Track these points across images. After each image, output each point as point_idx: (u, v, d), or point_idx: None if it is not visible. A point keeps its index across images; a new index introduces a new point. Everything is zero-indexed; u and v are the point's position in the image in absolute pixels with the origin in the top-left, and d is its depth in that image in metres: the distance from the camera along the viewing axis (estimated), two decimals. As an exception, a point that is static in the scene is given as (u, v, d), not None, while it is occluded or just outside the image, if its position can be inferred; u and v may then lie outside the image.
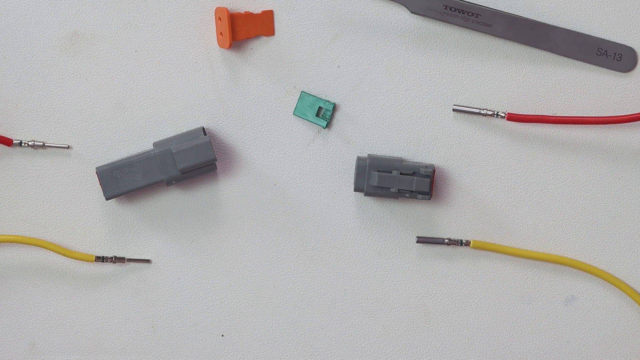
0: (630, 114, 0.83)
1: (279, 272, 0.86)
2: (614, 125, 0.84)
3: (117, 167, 0.83)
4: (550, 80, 0.85)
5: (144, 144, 0.85)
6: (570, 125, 0.84)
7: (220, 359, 0.87)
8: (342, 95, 0.85)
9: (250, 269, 0.86)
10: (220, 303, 0.86)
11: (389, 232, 0.86)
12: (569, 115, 0.84)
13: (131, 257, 0.86)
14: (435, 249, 0.86)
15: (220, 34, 0.83)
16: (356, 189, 0.84)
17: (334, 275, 0.86)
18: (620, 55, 0.84)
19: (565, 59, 0.84)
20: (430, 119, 0.85)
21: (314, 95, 0.85)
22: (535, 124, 0.84)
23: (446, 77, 0.85)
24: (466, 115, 0.85)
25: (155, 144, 0.83)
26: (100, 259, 0.85)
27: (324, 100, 0.85)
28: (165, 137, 0.84)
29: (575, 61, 0.84)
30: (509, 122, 0.85)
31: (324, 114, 0.85)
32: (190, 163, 0.82)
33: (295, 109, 0.85)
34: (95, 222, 0.86)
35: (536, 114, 0.84)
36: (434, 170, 0.83)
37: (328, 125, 0.85)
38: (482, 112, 0.84)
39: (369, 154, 0.84)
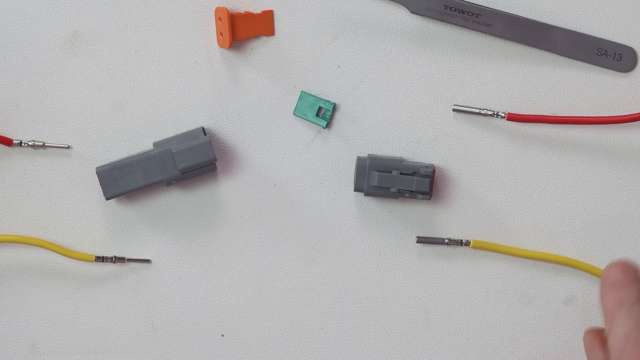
0: (630, 114, 0.83)
1: (279, 272, 0.86)
2: (614, 125, 0.84)
3: (117, 167, 0.83)
4: (550, 80, 0.85)
5: (144, 144, 0.85)
6: (570, 125, 0.84)
7: (220, 359, 0.87)
8: (342, 95, 0.85)
9: (250, 269, 0.86)
10: (220, 303, 0.86)
11: (389, 232, 0.86)
12: (569, 115, 0.84)
13: (131, 257, 0.86)
14: (435, 249, 0.86)
15: (220, 34, 0.83)
16: (356, 189, 0.84)
17: (334, 275, 0.86)
18: (620, 55, 0.84)
19: (565, 59, 0.84)
20: (430, 119, 0.85)
21: (314, 95, 0.85)
22: (535, 124, 0.84)
23: (446, 77, 0.85)
24: (466, 115, 0.85)
25: (155, 144, 0.83)
26: (100, 259, 0.85)
27: (324, 100, 0.85)
28: (165, 137, 0.84)
29: (575, 61, 0.84)
30: (509, 122, 0.85)
31: (324, 114, 0.85)
32: (190, 163, 0.82)
33: (295, 109, 0.85)
34: (95, 222, 0.86)
35: (536, 114, 0.84)
36: (434, 170, 0.83)
37: (328, 125, 0.85)
38: (482, 112, 0.84)
39: (369, 154, 0.84)
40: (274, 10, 0.84)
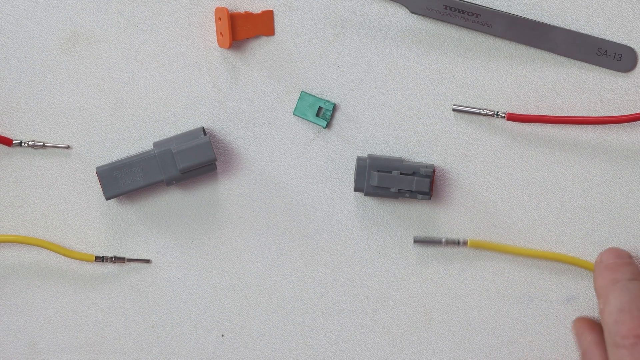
0: (630, 114, 0.83)
1: (279, 272, 0.86)
2: (614, 125, 0.84)
3: (117, 167, 0.83)
4: (550, 80, 0.85)
5: (144, 144, 0.85)
6: (570, 125, 0.84)
7: (220, 359, 0.87)
8: (342, 95, 0.85)
9: (250, 269, 0.86)
10: (220, 303, 0.86)
11: (389, 232, 0.86)
12: (569, 115, 0.84)
13: (131, 257, 0.86)
14: (435, 249, 0.86)
15: (220, 34, 0.83)
16: (356, 189, 0.84)
17: (334, 275, 0.86)
18: (620, 55, 0.84)
19: (565, 59, 0.84)
20: (430, 119, 0.85)
21: (314, 95, 0.85)
22: (535, 124, 0.84)
23: (446, 77, 0.85)
24: (466, 115, 0.85)
25: (155, 144, 0.83)
26: (100, 259, 0.85)
27: (324, 100, 0.85)
28: (165, 137, 0.84)
29: (575, 61, 0.84)
30: (509, 122, 0.85)
31: (324, 114, 0.85)
32: (190, 163, 0.82)
33: (295, 109, 0.85)
34: (95, 222, 0.86)
35: (536, 114, 0.84)
36: (434, 170, 0.83)
37: (328, 125, 0.85)
38: (482, 112, 0.84)
39: (369, 154, 0.84)
40: (274, 10, 0.84)
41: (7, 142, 0.84)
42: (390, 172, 0.83)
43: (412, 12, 0.83)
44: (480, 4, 0.83)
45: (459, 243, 0.85)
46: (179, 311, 0.86)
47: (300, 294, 0.86)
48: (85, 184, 0.85)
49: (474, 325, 0.86)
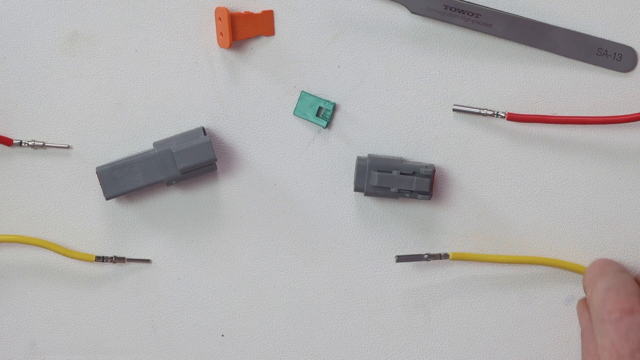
0: (630, 114, 0.83)
1: (279, 272, 0.86)
2: (614, 125, 0.84)
3: (117, 167, 0.83)
4: (550, 80, 0.84)
5: (144, 144, 0.85)
6: (570, 125, 0.84)
7: (220, 359, 0.87)
8: (342, 95, 0.85)
9: (250, 269, 0.86)
10: (220, 303, 0.86)
11: (389, 232, 0.86)
12: (569, 115, 0.84)
13: (131, 257, 0.86)
14: (435, 249, 0.86)
15: (220, 34, 0.83)
16: (356, 189, 0.84)
17: (334, 275, 0.86)
18: (620, 55, 0.84)
19: (565, 59, 0.84)
20: (430, 119, 0.85)
21: (314, 95, 0.85)
22: (535, 124, 0.84)
23: (446, 77, 0.85)
24: (466, 115, 0.85)
25: (155, 144, 0.83)
26: (100, 259, 0.85)
27: (324, 100, 0.85)
28: (165, 137, 0.84)
29: (575, 61, 0.84)
30: (509, 122, 0.85)
31: (324, 114, 0.85)
32: (190, 163, 0.82)
33: (295, 109, 0.85)
34: (95, 222, 0.86)
35: (536, 114, 0.84)
36: (434, 170, 0.83)
37: (328, 125, 0.85)
38: (482, 112, 0.84)
39: (369, 154, 0.84)
40: (274, 10, 0.84)
41: (7, 142, 0.84)
42: (390, 172, 0.83)
43: (412, 12, 0.83)
44: (480, 4, 0.83)
45: (440, 257, 0.84)
46: (179, 311, 0.86)
47: (300, 294, 0.86)
48: (85, 184, 0.85)
49: (474, 325, 0.86)
